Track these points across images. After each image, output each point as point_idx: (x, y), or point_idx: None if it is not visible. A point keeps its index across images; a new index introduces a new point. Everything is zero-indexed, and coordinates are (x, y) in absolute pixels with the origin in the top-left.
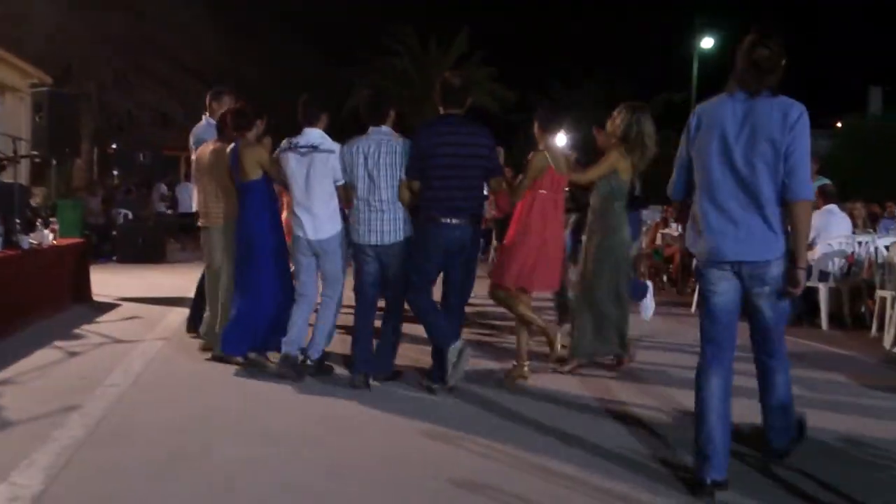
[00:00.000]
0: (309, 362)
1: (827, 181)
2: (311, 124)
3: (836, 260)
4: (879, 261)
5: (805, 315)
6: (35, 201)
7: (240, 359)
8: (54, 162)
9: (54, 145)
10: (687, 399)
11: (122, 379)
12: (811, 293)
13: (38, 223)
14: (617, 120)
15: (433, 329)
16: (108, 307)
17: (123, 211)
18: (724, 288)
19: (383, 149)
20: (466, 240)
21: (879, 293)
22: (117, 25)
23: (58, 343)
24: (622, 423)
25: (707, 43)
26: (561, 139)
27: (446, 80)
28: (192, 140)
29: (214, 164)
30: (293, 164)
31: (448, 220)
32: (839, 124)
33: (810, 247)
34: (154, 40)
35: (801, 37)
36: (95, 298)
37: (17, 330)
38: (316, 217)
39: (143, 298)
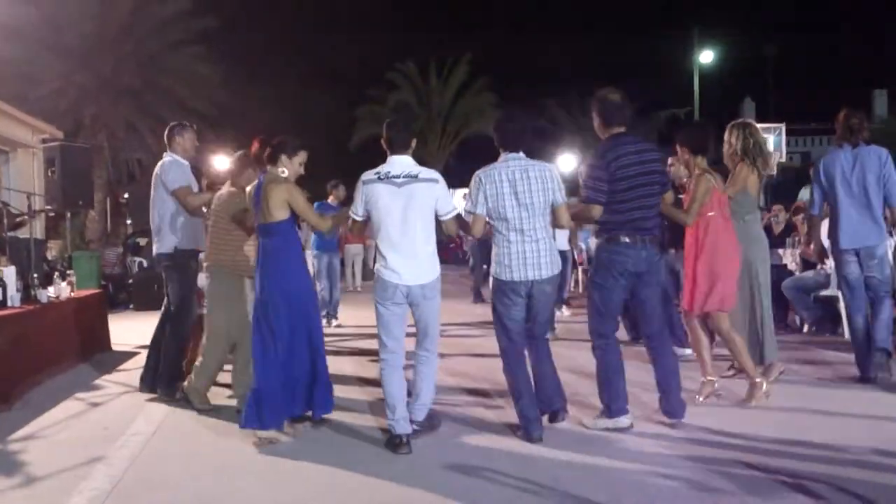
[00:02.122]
0: (416, 426)
1: None
2: (400, 151)
3: None
4: None
5: (827, 323)
6: (51, 254)
7: (273, 433)
8: (68, 215)
9: (68, 198)
10: None
11: (145, 427)
12: (832, 301)
13: (55, 276)
14: (732, 139)
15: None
16: (127, 356)
17: (138, 259)
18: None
19: (532, 174)
20: (653, 261)
21: None
22: (127, 75)
23: (79, 395)
24: None
25: (707, 57)
26: (568, 161)
27: (607, 98)
28: (174, 182)
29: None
30: (386, 199)
31: (635, 242)
32: None
33: (827, 255)
34: (163, 88)
35: (804, 42)
36: (115, 348)
37: (38, 383)
38: (417, 258)
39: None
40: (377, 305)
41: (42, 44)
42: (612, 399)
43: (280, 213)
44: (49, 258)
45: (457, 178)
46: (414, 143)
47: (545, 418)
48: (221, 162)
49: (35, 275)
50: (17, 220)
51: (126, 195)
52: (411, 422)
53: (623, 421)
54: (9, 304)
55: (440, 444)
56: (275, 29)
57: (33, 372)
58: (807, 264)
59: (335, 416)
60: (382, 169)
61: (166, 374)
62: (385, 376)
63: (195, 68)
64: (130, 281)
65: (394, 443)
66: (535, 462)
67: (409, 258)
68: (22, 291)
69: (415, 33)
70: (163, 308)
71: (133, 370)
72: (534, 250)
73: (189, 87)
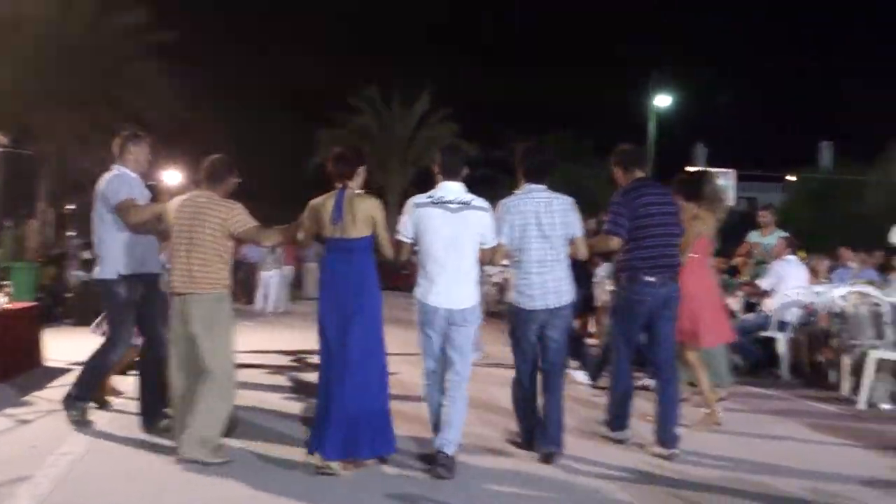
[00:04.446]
0: (448, 454)
1: (785, 234)
2: (452, 177)
3: (795, 310)
4: (836, 310)
5: (765, 364)
6: None
7: (336, 466)
8: (8, 224)
9: (8, 207)
10: None
11: (75, 447)
12: (770, 343)
13: None
14: None
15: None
16: (60, 372)
17: (78, 273)
18: None
19: (556, 206)
20: (672, 296)
21: (837, 341)
22: (80, 85)
23: (8, 411)
24: None
25: (663, 101)
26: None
27: (622, 150)
28: (117, 195)
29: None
30: (438, 222)
31: (656, 280)
32: (791, 178)
33: (768, 295)
34: (117, 99)
35: (754, 93)
36: (48, 364)
37: None
38: (463, 283)
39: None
40: (419, 329)
41: None
42: (618, 417)
43: (367, 229)
44: None
45: None
46: (466, 170)
47: (535, 455)
48: (172, 177)
49: None
50: None
51: (72, 207)
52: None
53: (621, 435)
54: None
55: (383, 475)
56: (236, 46)
57: None
58: (748, 306)
59: (267, 441)
60: (435, 194)
61: (153, 405)
62: (428, 398)
63: (149, 80)
64: (69, 294)
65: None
66: (469, 486)
67: (456, 283)
68: None
69: (377, 61)
70: (143, 340)
71: (65, 387)
72: (554, 279)
73: (144, 100)
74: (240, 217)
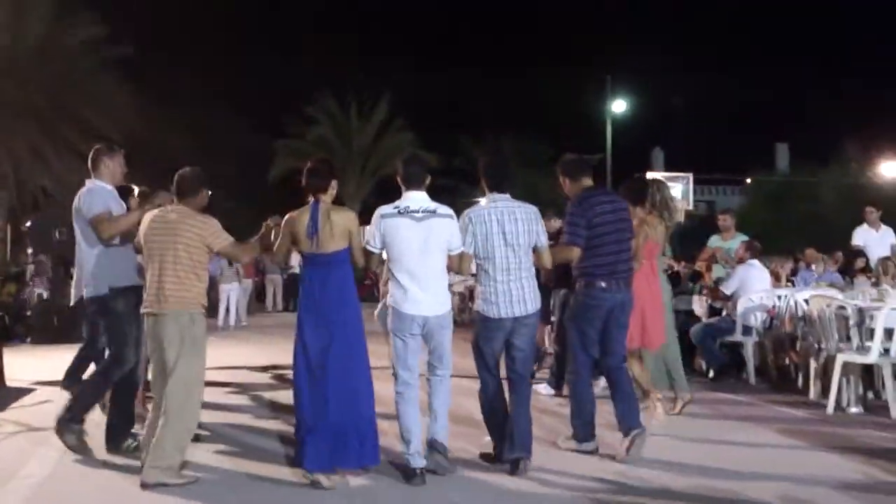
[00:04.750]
0: (444, 441)
1: (746, 237)
2: (416, 187)
3: (759, 314)
4: (800, 314)
5: (731, 369)
6: None
7: (323, 478)
8: None
9: None
10: None
11: (39, 470)
12: (736, 347)
13: None
14: None
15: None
16: (21, 392)
17: (38, 290)
18: None
19: (519, 215)
20: (626, 301)
21: (803, 345)
22: (34, 97)
23: None
24: None
25: (619, 106)
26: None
27: (566, 160)
28: (91, 210)
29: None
30: (405, 232)
31: (611, 286)
32: (748, 181)
33: (731, 299)
34: (71, 112)
35: (712, 96)
36: (8, 383)
37: None
38: (434, 290)
39: (60, 382)
40: (394, 337)
41: None
42: (583, 426)
43: (343, 242)
44: None
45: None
46: (428, 179)
47: (507, 467)
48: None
49: None
50: None
51: (28, 224)
52: (427, 454)
53: (589, 446)
54: None
55: (363, 486)
56: (191, 57)
57: None
58: (713, 311)
59: (237, 457)
60: (401, 204)
61: (120, 426)
62: (401, 409)
63: (107, 93)
64: (28, 313)
65: (409, 475)
66: (446, 497)
67: (428, 290)
68: None
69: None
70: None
71: (28, 407)
72: (519, 288)
73: (99, 113)
74: (217, 233)
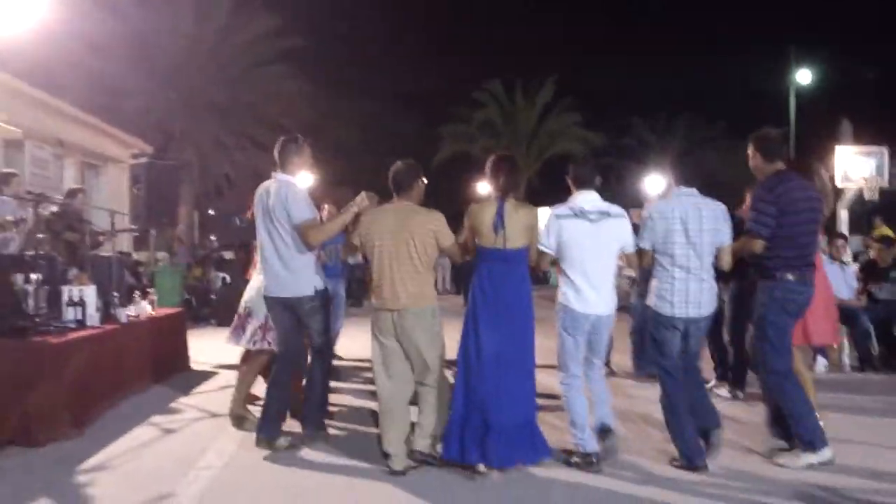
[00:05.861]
0: (611, 425)
1: None
2: (588, 187)
3: None
4: None
5: None
6: (142, 268)
7: (482, 467)
8: (153, 232)
9: (151, 216)
10: None
11: (216, 460)
12: None
13: (135, 294)
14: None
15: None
16: (205, 376)
17: (222, 275)
18: None
19: (704, 212)
20: (812, 295)
21: None
22: (214, 92)
23: (154, 419)
24: None
25: (804, 77)
26: (657, 182)
27: (767, 135)
28: (298, 217)
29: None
30: (581, 234)
31: (802, 279)
32: None
33: None
34: (248, 105)
35: None
36: (193, 367)
37: (114, 406)
38: (605, 290)
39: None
40: (565, 335)
41: (131, 59)
42: (811, 432)
43: (526, 239)
44: (140, 271)
45: (540, 197)
46: (599, 180)
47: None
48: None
49: (116, 294)
50: (100, 238)
51: (212, 211)
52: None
53: (826, 453)
54: (88, 323)
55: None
56: (361, 48)
57: (109, 394)
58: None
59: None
60: (575, 205)
61: (315, 413)
62: (571, 397)
63: (281, 86)
64: (213, 296)
65: (586, 461)
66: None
67: (600, 290)
68: (102, 310)
69: (500, 54)
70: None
71: (210, 392)
72: (697, 289)
73: (275, 104)
74: (446, 231)
